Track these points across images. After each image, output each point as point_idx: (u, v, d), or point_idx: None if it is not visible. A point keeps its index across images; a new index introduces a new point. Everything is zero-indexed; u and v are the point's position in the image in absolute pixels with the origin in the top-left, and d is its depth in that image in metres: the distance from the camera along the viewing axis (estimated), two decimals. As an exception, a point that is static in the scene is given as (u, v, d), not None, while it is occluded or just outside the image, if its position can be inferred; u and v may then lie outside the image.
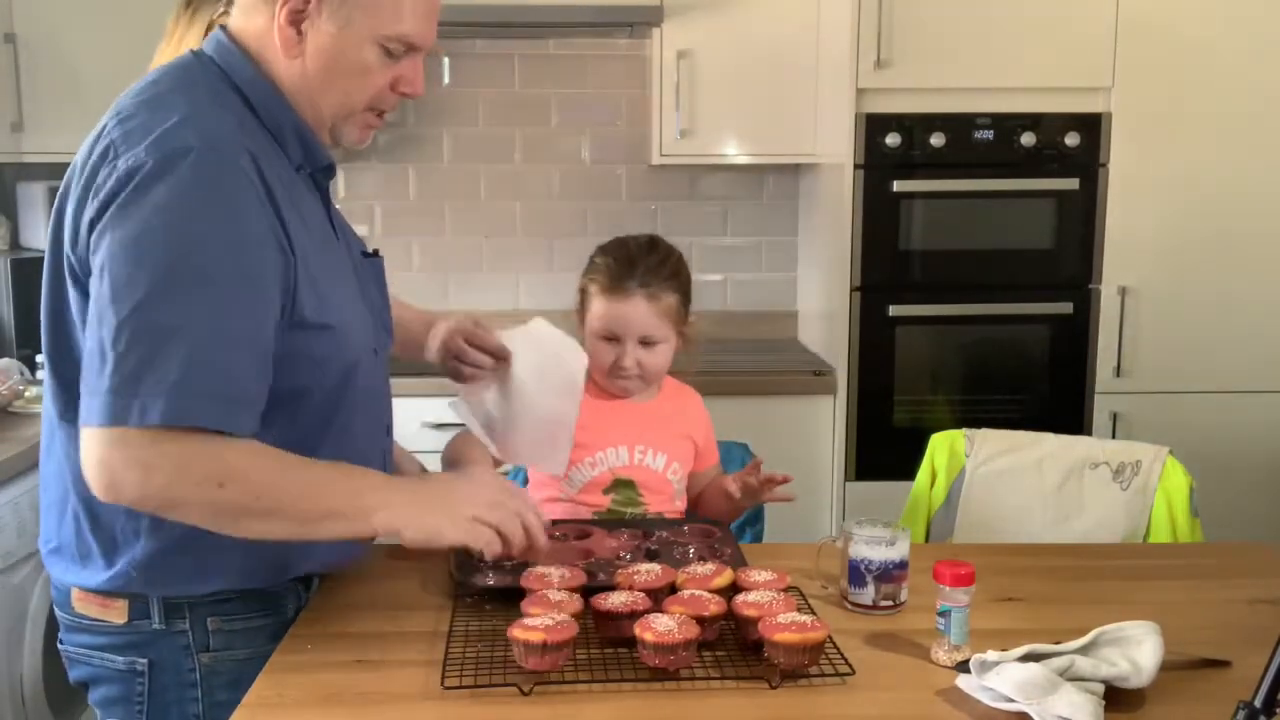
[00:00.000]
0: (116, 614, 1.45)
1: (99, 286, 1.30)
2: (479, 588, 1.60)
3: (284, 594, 1.53)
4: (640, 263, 1.97)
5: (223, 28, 1.47)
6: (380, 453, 1.61)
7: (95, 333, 1.29)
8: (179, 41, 1.91)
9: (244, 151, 1.36)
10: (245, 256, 1.33)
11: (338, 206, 1.63)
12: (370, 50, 1.42)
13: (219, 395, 1.29)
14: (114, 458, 1.27)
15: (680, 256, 2.04)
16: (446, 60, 3.61)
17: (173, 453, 1.28)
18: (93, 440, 1.28)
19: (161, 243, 1.29)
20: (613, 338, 1.97)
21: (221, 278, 1.31)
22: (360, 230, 3.51)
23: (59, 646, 1.54)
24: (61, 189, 1.42)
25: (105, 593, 1.45)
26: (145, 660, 1.47)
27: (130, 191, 1.30)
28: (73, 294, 1.38)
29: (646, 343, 1.97)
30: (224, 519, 1.34)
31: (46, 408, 1.48)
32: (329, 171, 1.55)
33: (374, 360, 1.58)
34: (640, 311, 1.95)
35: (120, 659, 1.47)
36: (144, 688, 1.47)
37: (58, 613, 1.53)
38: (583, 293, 2.02)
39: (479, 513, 1.42)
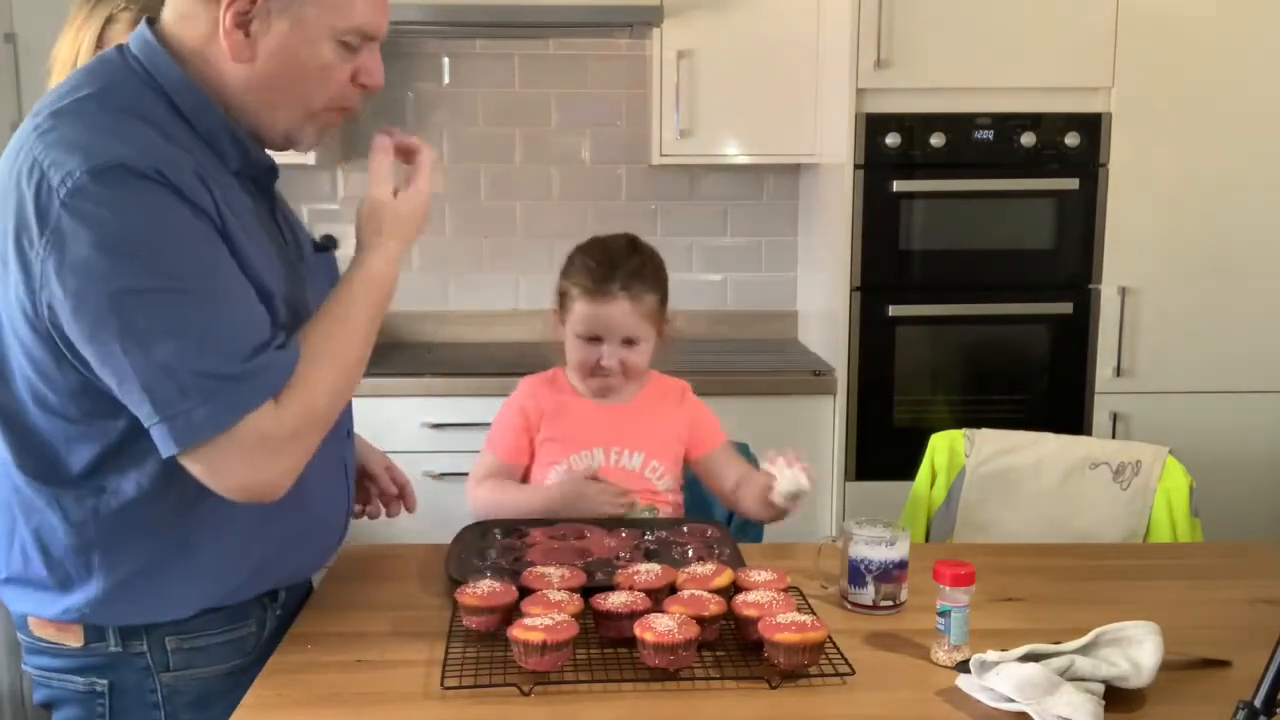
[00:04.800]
0: (72, 637, 1.41)
1: (94, 322, 1.24)
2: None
3: (246, 608, 1.48)
4: (622, 265, 1.99)
5: (150, 23, 1.38)
6: (337, 461, 1.56)
7: (124, 368, 1.25)
8: (78, 30, 1.93)
9: (175, 154, 1.30)
10: (209, 246, 1.30)
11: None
12: (327, 46, 1.36)
13: (260, 347, 1.30)
14: (259, 450, 1.29)
15: (659, 257, 2.07)
16: (446, 60, 3.60)
17: (299, 398, 1.32)
18: (211, 459, 1.28)
19: (150, 269, 1.24)
20: (595, 339, 2.00)
21: (213, 272, 1.29)
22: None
23: (23, 668, 1.49)
24: None
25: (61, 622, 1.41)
26: (105, 681, 1.42)
27: (82, 214, 1.22)
28: (12, 321, 1.30)
29: (628, 342, 2.00)
30: (347, 394, 1.42)
31: None
32: (272, 174, 1.48)
33: None
34: (624, 313, 1.98)
35: (80, 679, 1.43)
36: (104, 709, 1.43)
37: (18, 634, 1.48)
38: (563, 295, 2.04)
39: (418, 213, 1.48)
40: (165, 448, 1.27)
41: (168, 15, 1.38)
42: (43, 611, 1.41)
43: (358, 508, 1.76)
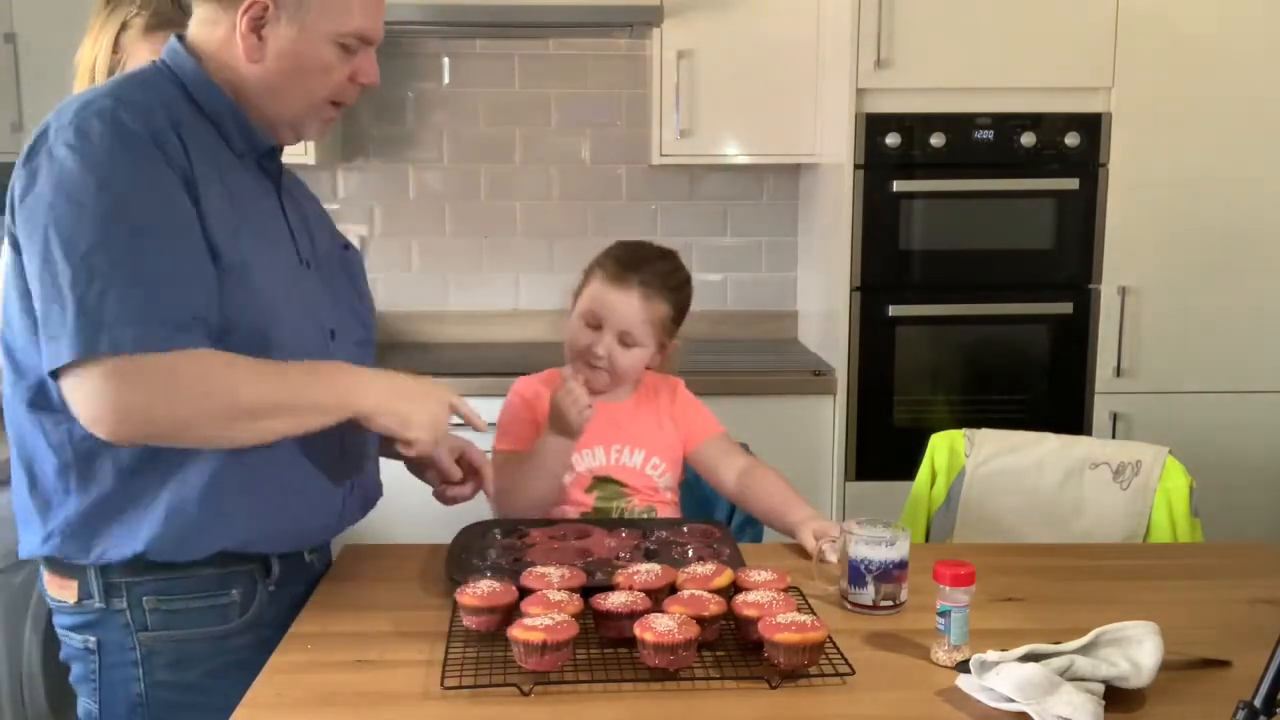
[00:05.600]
0: (69, 593, 1.50)
1: (40, 241, 1.35)
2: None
3: (228, 577, 1.52)
4: (651, 264, 2.00)
5: (179, 37, 1.54)
6: (332, 438, 1.56)
7: (46, 281, 1.35)
8: (96, 36, 2.07)
9: (163, 114, 1.43)
10: (175, 200, 1.40)
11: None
12: (328, 49, 1.51)
13: (178, 323, 1.36)
14: (108, 388, 1.33)
15: (689, 277, 2.08)
16: (446, 60, 3.60)
17: (162, 371, 1.35)
18: (81, 379, 1.34)
19: (96, 194, 1.35)
20: (595, 324, 1.98)
21: (155, 220, 1.38)
22: (360, 230, 3.54)
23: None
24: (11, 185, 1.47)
25: (50, 562, 1.50)
26: (95, 639, 1.51)
27: (52, 155, 1.36)
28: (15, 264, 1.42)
29: (625, 341, 1.98)
30: (224, 427, 1.41)
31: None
32: (273, 155, 1.60)
33: (326, 355, 1.58)
34: (632, 306, 1.97)
35: (79, 637, 1.52)
36: (95, 665, 1.51)
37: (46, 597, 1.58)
38: (586, 274, 2.04)
39: (440, 412, 1.55)
40: (60, 356, 1.34)
41: (192, 24, 1.55)
42: (33, 544, 1.50)
43: (433, 489, 1.79)
